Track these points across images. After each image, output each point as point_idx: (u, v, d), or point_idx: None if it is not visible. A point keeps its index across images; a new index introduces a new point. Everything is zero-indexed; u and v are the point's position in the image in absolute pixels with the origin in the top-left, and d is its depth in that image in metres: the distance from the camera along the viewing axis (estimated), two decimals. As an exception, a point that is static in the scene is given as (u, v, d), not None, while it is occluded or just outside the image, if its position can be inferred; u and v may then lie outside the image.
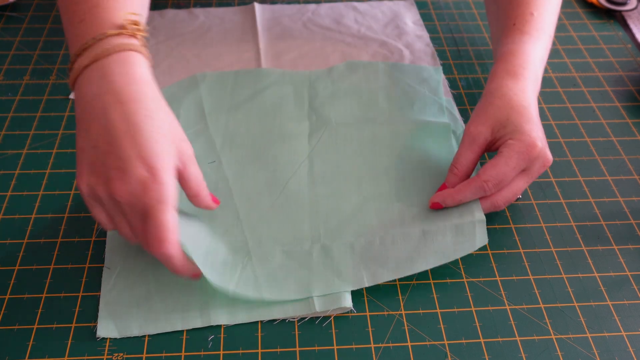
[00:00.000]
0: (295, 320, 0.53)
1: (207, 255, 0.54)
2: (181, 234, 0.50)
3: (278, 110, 0.70)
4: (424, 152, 0.65)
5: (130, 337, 0.51)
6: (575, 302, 0.55)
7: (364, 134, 0.67)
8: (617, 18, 0.88)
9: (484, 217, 0.57)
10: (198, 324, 0.52)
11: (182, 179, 0.51)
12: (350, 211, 0.60)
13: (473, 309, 0.54)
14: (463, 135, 0.59)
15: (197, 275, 0.51)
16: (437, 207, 0.58)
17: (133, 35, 0.50)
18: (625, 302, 0.55)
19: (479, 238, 0.56)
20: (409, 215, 0.59)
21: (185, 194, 0.53)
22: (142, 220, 0.47)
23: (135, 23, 0.51)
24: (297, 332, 0.52)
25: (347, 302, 0.53)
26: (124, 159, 0.46)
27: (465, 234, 0.56)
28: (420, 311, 0.54)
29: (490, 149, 0.59)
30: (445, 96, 0.74)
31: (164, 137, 0.48)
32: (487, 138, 0.58)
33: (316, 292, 0.53)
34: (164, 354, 0.50)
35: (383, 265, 0.55)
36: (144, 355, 0.50)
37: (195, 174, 0.52)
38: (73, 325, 0.52)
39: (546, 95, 0.75)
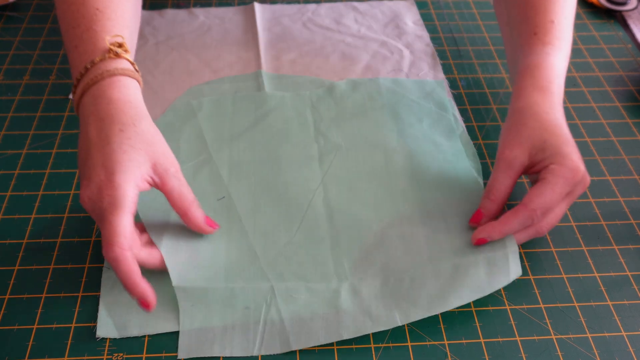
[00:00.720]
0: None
1: (226, 300, 0.53)
2: (194, 273, 0.52)
3: (283, 135, 0.67)
4: (440, 172, 0.63)
5: (130, 337, 0.51)
6: (575, 302, 0.55)
7: (375, 157, 0.65)
8: (617, 18, 0.88)
9: (516, 247, 0.55)
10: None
11: (165, 194, 0.53)
12: (373, 241, 0.57)
13: (473, 309, 0.54)
14: (497, 159, 0.57)
15: (146, 305, 0.48)
16: (482, 243, 0.55)
17: (118, 56, 0.55)
18: (626, 302, 0.55)
19: (513, 269, 0.54)
20: (437, 245, 0.57)
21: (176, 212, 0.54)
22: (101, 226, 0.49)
23: (120, 45, 0.55)
24: (297, 332, 0.52)
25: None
26: (90, 167, 0.50)
27: (498, 266, 0.54)
28: (421, 311, 0.54)
29: (527, 173, 0.57)
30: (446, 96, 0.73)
31: (133, 149, 0.51)
32: (523, 162, 0.56)
33: (346, 336, 0.51)
34: (164, 354, 0.50)
35: (415, 304, 0.52)
36: (144, 355, 0.50)
37: (177, 189, 0.53)
38: (73, 325, 0.52)
39: (546, 95, 0.75)
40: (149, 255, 0.52)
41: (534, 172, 0.57)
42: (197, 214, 0.54)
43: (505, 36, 0.69)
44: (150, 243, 0.54)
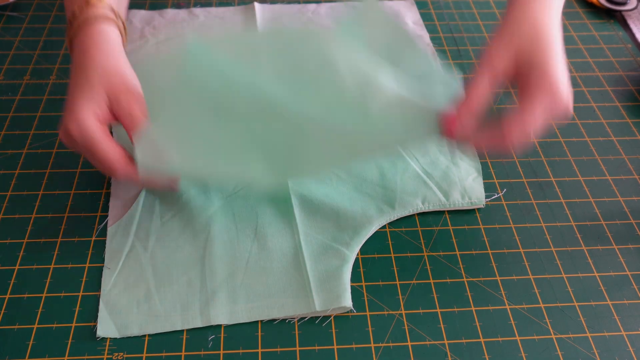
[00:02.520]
0: (295, 320, 0.53)
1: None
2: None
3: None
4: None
5: (130, 337, 0.51)
6: (575, 301, 0.55)
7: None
8: (617, 18, 0.88)
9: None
10: (198, 323, 0.52)
11: (115, 111, 0.55)
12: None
13: (473, 308, 0.54)
14: (480, 60, 0.53)
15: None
16: (450, 125, 0.52)
17: (92, 5, 0.59)
18: (625, 301, 0.55)
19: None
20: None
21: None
22: (86, 155, 0.54)
23: None
24: (297, 332, 0.52)
25: (347, 302, 0.53)
26: (64, 110, 0.55)
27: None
28: (420, 311, 0.54)
29: (507, 82, 0.54)
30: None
31: (90, 84, 0.54)
32: (507, 66, 0.52)
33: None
34: (164, 354, 0.50)
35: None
36: (144, 355, 0.50)
37: (126, 114, 0.55)
38: (73, 325, 0.52)
39: (546, 95, 0.75)
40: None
41: (515, 83, 0.53)
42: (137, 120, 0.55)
43: None
44: None
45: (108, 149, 0.53)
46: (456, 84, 0.58)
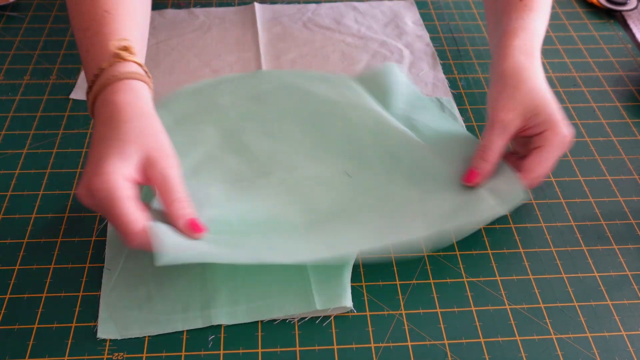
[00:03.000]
0: (295, 320, 0.53)
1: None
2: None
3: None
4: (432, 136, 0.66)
5: (130, 337, 0.51)
6: (575, 301, 0.55)
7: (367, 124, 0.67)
8: (617, 18, 0.88)
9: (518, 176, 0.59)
10: (199, 324, 0.52)
11: (152, 181, 0.52)
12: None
13: (473, 308, 0.54)
14: (491, 121, 0.60)
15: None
16: (473, 179, 0.59)
17: (125, 60, 0.56)
18: (625, 301, 0.55)
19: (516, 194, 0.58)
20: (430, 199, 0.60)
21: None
22: (105, 214, 0.51)
23: (126, 48, 0.56)
24: (297, 332, 0.52)
25: (348, 302, 0.53)
26: (85, 167, 0.52)
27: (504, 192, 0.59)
28: (420, 311, 0.54)
29: (518, 135, 0.60)
30: (445, 96, 0.74)
31: (124, 143, 0.51)
32: (517, 126, 0.59)
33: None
34: (164, 354, 0.50)
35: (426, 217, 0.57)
36: (144, 355, 0.50)
37: (159, 182, 0.52)
38: (73, 325, 0.52)
39: (546, 95, 0.75)
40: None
41: (525, 135, 0.60)
42: (178, 213, 0.52)
43: (487, 3, 0.71)
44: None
45: (130, 213, 0.49)
46: (474, 140, 0.66)
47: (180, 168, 0.54)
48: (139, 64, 0.57)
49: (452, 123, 0.69)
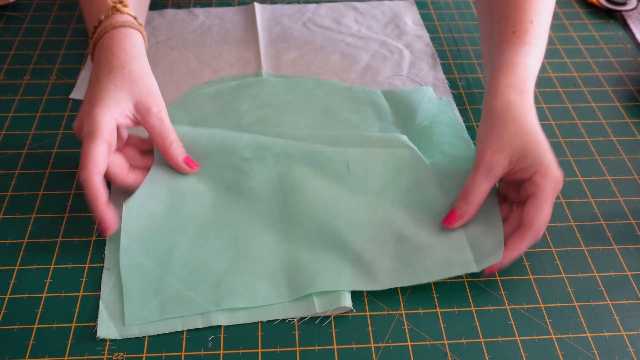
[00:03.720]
0: (295, 320, 0.53)
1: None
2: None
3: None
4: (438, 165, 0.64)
5: (130, 337, 0.51)
6: (575, 301, 0.55)
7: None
8: (617, 18, 0.88)
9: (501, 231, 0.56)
10: (198, 324, 0.52)
11: (148, 131, 0.59)
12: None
13: (473, 308, 0.54)
14: (477, 162, 0.57)
15: (103, 229, 0.55)
16: (452, 221, 0.57)
17: (120, 11, 0.62)
18: (625, 302, 0.55)
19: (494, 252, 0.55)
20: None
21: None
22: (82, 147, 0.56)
23: (121, 2, 0.63)
24: (297, 332, 0.52)
25: (347, 302, 0.53)
26: (82, 103, 0.59)
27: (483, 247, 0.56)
28: (420, 311, 0.54)
29: (505, 178, 0.57)
30: (445, 96, 0.74)
31: (117, 87, 0.57)
32: (504, 168, 0.56)
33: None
34: (164, 354, 0.50)
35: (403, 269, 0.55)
36: (144, 355, 0.50)
37: (158, 128, 0.58)
38: (73, 325, 0.52)
39: (546, 95, 0.75)
40: (137, 180, 0.59)
41: (514, 179, 0.57)
42: (176, 152, 0.59)
43: (484, 34, 0.69)
44: (143, 168, 0.60)
45: (97, 149, 0.54)
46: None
47: (166, 110, 0.60)
48: (134, 17, 0.63)
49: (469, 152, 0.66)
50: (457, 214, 0.56)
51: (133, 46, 0.60)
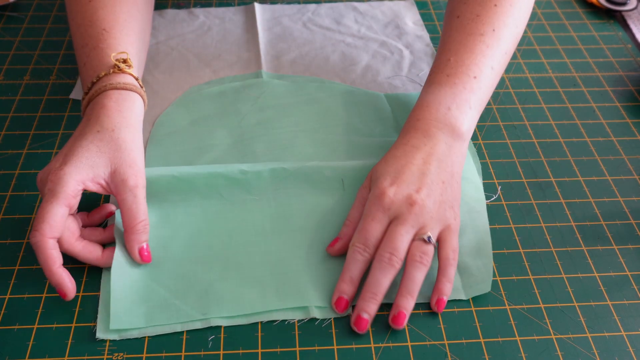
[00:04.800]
0: (295, 320, 0.53)
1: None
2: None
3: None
4: None
5: (130, 337, 0.51)
6: (575, 302, 0.55)
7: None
8: (617, 18, 0.88)
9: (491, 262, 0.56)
10: (197, 325, 0.52)
11: (118, 204, 0.55)
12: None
13: (473, 309, 0.54)
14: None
15: (62, 294, 0.51)
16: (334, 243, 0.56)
17: (122, 71, 0.59)
18: (625, 302, 0.55)
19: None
20: None
21: None
22: (42, 202, 0.52)
23: (124, 61, 0.60)
24: (297, 332, 0.52)
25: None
26: (57, 155, 0.55)
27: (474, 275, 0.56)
28: (420, 311, 0.54)
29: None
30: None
31: (99, 151, 0.54)
32: (365, 195, 0.57)
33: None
34: (164, 354, 0.50)
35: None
36: (144, 355, 0.50)
37: (128, 204, 0.54)
38: (73, 325, 0.52)
39: (546, 95, 0.75)
40: (84, 249, 0.54)
41: None
42: (136, 236, 0.54)
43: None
44: (93, 239, 0.56)
45: (56, 211, 0.50)
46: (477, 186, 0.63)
47: (145, 186, 0.56)
48: (136, 78, 0.60)
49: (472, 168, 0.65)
50: (340, 237, 0.56)
51: (130, 112, 0.57)
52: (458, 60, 0.60)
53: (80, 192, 0.53)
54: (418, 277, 0.52)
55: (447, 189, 0.56)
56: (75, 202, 0.52)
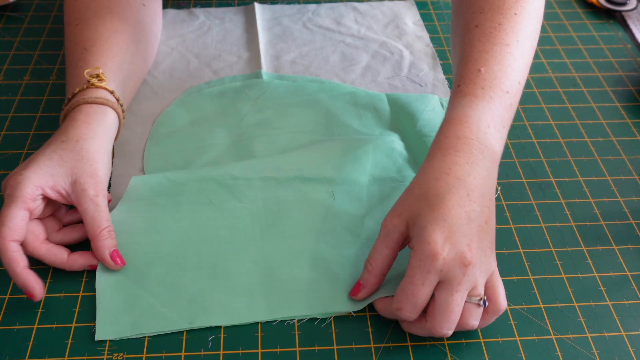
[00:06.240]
0: (295, 320, 0.53)
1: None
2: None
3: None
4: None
5: (130, 338, 0.51)
6: (575, 302, 0.55)
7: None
8: (617, 18, 0.88)
9: None
10: (196, 325, 0.52)
11: (80, 214, 0.55)
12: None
13: (473, 309, 0.54)
14: (381, 229, 0.51)
15: (30, 295, 0.52)
16: (356, 292, 0.53)
17: (95, 86, 0.60)
18: (625, 302, 0.55)
19: None
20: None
21: None
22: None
23: (97, 76, 0.61)
24: (297, 332, 0.52)
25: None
26: (22, 162, 0.56)
27: None
28: (420, 311, 0.54)
29: (408, 246, 0.51)
30: (445, 96, 0.74)
31: (61, 160, 0.55)
32: (402, 232, 0.50)
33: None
34: (164, 354, 0.50)
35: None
36: (144, 355, 0.50)
37: (91, 213, 0.54)
38: (73, 325, 0.52)
39: (546, 95, 0.75)
40: (48, 252, 0.54)
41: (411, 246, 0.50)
42: (103, 243, 0.54)
43: None
44: (75, 236, 0.56)
45: (14, 213, 0.51)
46: None
47: (107, 195, 0.56)
48: (110, 91, 0.60)
49: None
50: (362, 284, 0.52)
51: (98, 124, 0.58)
52: (489, 72, 0.55)
53: (40, 196, 0.53)
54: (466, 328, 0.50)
55: (489, 227, 0.50)
56: (35, 205, 0.53)
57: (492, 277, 0.50)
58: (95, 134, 0.57)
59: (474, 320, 0.49)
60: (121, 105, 0.61)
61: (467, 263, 0.47)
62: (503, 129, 0.55)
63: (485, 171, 0.51)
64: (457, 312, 0.48)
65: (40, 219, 0.55)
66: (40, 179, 0.53)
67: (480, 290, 0.49)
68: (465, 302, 0.48)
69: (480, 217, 0.49)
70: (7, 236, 0.51)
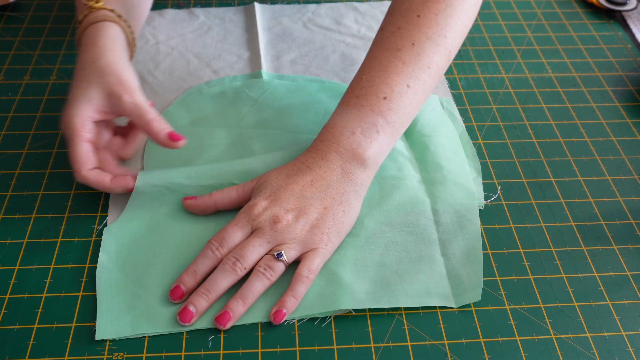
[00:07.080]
0: (295, 320, 0.53)
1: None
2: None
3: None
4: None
5: (129, 337, 0.51)
6: (575, 302, 0.55)
7: None
8: (617, 18, 0.88)
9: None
10: (196, 325, 0.52)
11: (127, 117, 0.59)
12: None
13: (473, 308, 0.54)
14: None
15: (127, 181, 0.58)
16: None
17: (93, 9, 0.63)
18: (625, 302, 0.55)
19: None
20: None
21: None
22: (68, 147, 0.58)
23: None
24: (297, 332, 0.52)
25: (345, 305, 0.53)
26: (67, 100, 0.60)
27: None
28: (420, 311, 0.54)
29: None
30: (445, 96, 0.74)
31: (88, 83, 0.58)
32: (253, 187, 0.59)
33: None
34: (164, 354, 0.50)
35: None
36: (144, 355, 0.50)
37: (134, 111, 0.58)
38: (73, 325, 0.52)
39: (546, 95, 0.75)
40: (97, 177, 0.58)
41: None
42: (158, 128, 0.58)
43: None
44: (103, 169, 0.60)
45: (80, 154, 0.57)
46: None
47: (145, 99, 0.59)
48: (110, 9, 0.63)
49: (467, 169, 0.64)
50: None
51: (105, 39, 0.61)
52: (369, 80, 0.59)
53: (92, 125, 0.58)
54: (256, 286, 0.52)
55: (328, 215, 0.55)
56: (90, 134, 0.58)
57: (310, 253, 0.54)
58: (106, 49, 0.60)
59: (270, 270, 0.53)
60: (125, 21, 0.64)
61: (277, 220, 0.54)
62: (377, 134, 0.58)
63: (341, 169, 0.57)
64: (249, 251, 0.53)
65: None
66: (82, 110, 0.57)
67: (284, 251, 0.54)
68: (266, 254, 0.54)
69: (318, 200, 0.56)
70: (82, 170, 0.57)
